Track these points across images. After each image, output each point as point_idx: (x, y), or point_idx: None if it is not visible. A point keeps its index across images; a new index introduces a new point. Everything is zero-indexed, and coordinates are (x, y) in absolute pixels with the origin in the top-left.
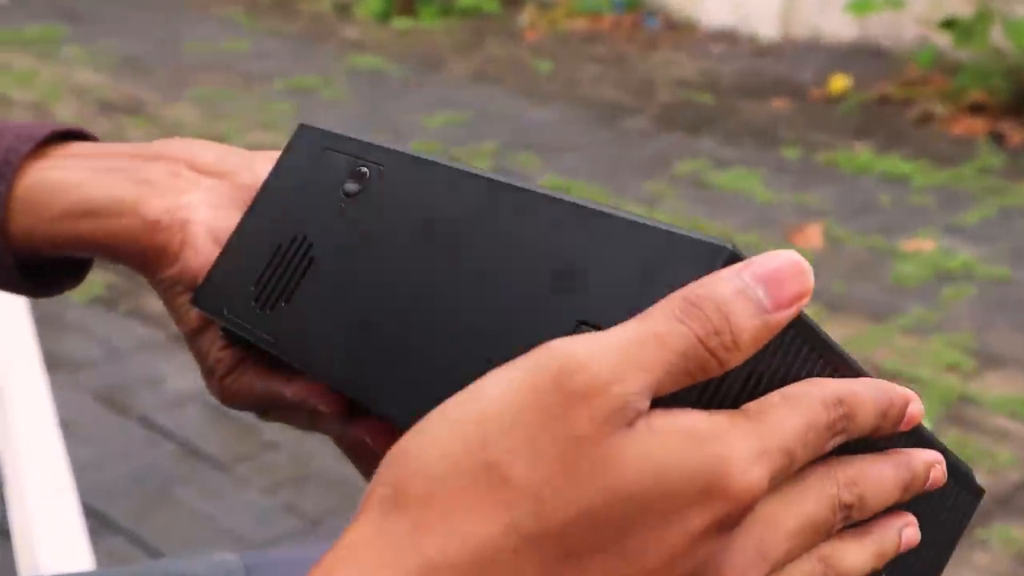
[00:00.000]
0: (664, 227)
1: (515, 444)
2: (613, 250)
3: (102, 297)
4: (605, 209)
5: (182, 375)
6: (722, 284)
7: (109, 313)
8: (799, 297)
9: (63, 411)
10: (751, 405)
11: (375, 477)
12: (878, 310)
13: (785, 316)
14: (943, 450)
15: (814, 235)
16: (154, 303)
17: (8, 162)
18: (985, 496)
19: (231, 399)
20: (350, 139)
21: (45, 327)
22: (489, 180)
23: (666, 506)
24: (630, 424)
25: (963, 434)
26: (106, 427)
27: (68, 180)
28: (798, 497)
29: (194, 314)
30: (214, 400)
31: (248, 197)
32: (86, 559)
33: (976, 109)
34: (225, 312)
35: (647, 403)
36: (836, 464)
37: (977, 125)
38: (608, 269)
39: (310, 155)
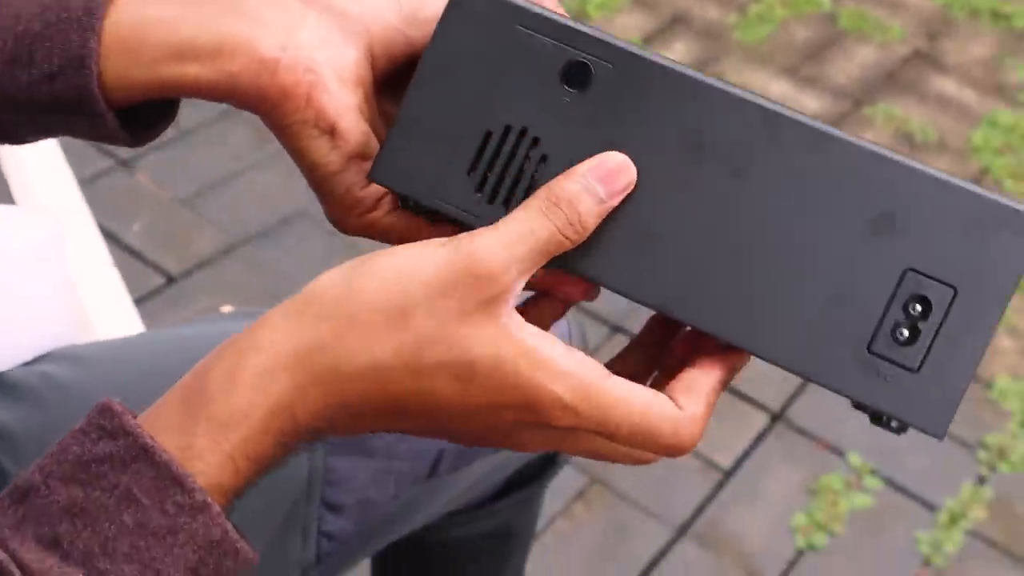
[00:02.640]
0: (976, 190)
1: (424, 302)
2: (930, 205)
3: None
4: (907, 160)
5: None
6: (572, 184)
7: None
8: (626, 187)
9: None
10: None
11: (321, 283)
12: None
13: (616, 201)
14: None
15: None
16: None
17: (91, 10)
18: (872, 73)
19: (361, 231)
20: (539, 14)
21: None
22: (762, 108)
23: (497, 390)
24: (503, 310)
25: (858, 4)
26: None
27: (161, 17)
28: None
29: (334, 157)
30: None
31: (359, 29)
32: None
33: None
34: (436, 197)
35: (521, 285)
36: None
37: None
38: (927, 223)
39: (490, 27)
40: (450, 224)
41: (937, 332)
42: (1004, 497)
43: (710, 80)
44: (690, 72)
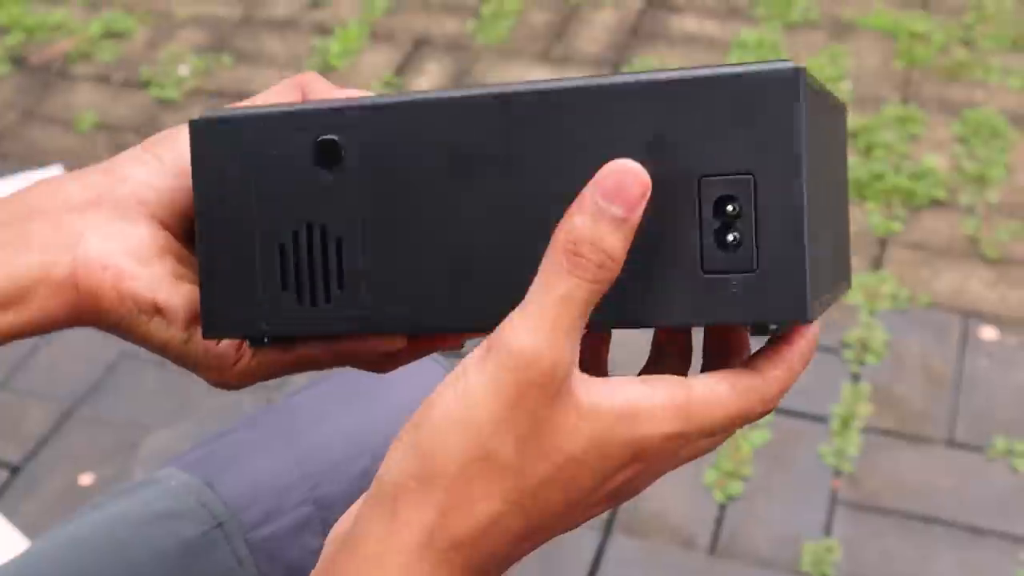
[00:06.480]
0: (718, 72)
1: (502, 435)
2: (687, 109)
3: None
4: (645, 77)
5: None
6: (583, 218)
7: None
8: (643, 193)
9: None
10: (694, 386)
11: (389, 472)
12: None
13: (639, 213)
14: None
15: None
16: None
17: None
18: (618, 34)
19: (245, 380)
20: (265, 115)
21: None
22: (492, 96)
23: (604, 466)
24: (573, 391)
25: None
26: None
27: None
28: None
29: (174, 331)
30: None
31: (134, 205)
32: None
33: None
34: (265, 325)
35: (577, 354)
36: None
37: None
38: (693, 126)
39: (233, 148)
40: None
41: (756, 222)
42: (881, 386)
43: (445, 93)
44: (423, 96)
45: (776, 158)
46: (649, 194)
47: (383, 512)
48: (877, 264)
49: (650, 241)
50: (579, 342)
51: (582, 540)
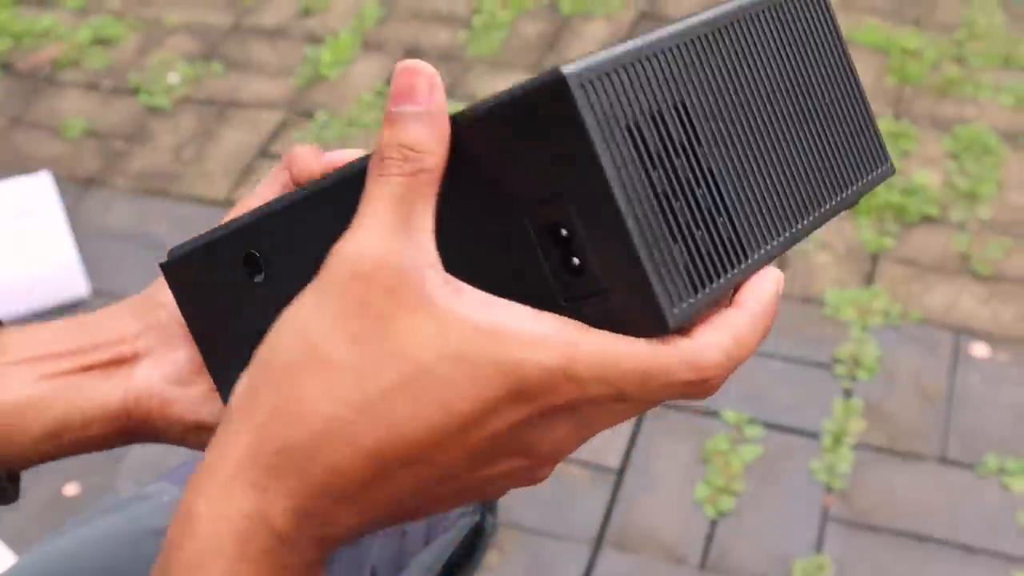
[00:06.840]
0: (501, 98)
1: (326, 329)
2: (486, 145)
3: None
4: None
5: None
6: (385, 130)
7: None
8: (429, 81)
9: None
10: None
11: (234, 397)
12: None
13: (437, 101)
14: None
15: None
16: None
17: None
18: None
19: None
20: (204, 244)
21: None
22: (344, 178)
23: (475, 391)
24: (425, 290)
25: None
26: None
27: (33, 400)
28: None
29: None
30: None
31: (172, 327)
32: None
33: None
34: None
35: (427, 247)
36: None
37: None
38: (500, 161)
39: (194, 276)
40: None
41: (588, 242)
42: (873, 402)
43: (309, 189)
44: (297, 195)
45: (576, 167)
46: (438, 81)
47: (216, 434)
48: (869, 280)
49: (511, 283)
50: (423, 243)
51: (571, 554)
